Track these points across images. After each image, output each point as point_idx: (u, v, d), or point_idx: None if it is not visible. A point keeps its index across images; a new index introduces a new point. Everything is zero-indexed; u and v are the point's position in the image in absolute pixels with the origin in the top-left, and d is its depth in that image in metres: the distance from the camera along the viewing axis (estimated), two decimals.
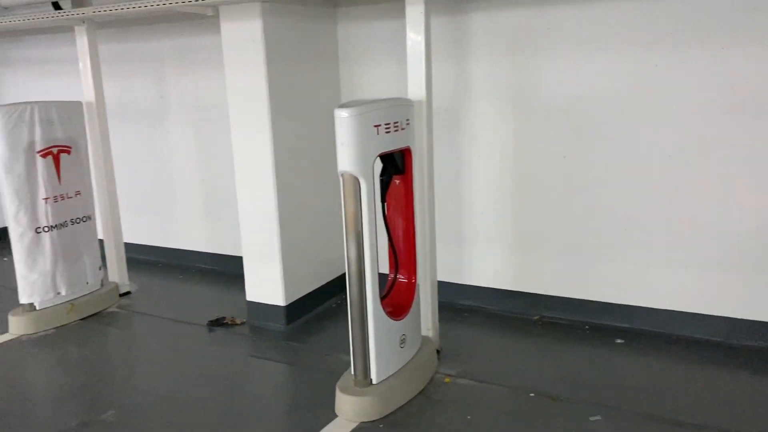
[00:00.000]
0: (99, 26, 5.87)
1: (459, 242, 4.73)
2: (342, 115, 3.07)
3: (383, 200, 3.60)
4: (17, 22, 4.83)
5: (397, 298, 3.67)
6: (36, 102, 4.57)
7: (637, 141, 4.02)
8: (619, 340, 4.12)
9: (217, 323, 4.66)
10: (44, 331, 4.66)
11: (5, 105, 4.41)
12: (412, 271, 3.72)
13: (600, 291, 4.34)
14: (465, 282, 4.78)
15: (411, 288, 3.71)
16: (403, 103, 3.46)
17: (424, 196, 3.78)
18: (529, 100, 4.30)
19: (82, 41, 4.93)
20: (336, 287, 5.02)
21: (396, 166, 3.56)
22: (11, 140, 4.44)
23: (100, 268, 5.14)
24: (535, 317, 4.53)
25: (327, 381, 3.64)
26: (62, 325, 4.75)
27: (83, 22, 4.85)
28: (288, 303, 4.52)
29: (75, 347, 4.40)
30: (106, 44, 5.97)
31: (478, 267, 4.71)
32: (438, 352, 3.96)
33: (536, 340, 4.20)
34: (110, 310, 5.07)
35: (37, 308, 4.70)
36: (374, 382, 3.36)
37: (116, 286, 5.27)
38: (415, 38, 3.62)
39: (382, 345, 3.35)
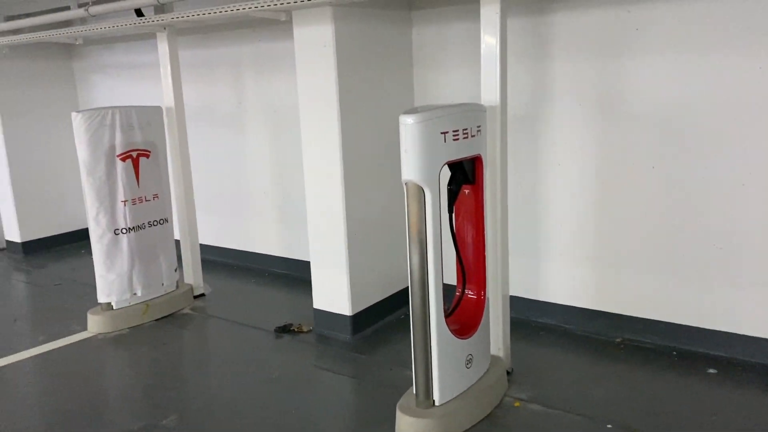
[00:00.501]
0: (181, 33, 6.01)
1: (535, 256, 4.47)
2: (407, 122, 2.92)
3: (451, 211, 3.41)
4: (104, 29, 4.99)
5: (464, 315, 3.48)
6: (117, 107, 4.70)
7: (735, 152, 3.64)
8: (711, 370, 3.74)
9: (284, 330, 4.62)
10: (119, 330, 4.77)
11: (88, 110, 4.55)
12: (481, 286, 3.52)
13: (691, 314, 3.96)
14: (541, 298, 4.51)
15: (480, 304, 3.50)
16: (475, 109, 3.26)
17: (496, 207, 3.57)
18: (614, 106, 3.99)
19: (163, 47, 5.04)
20: (404, 298, 4.87)
21: (465, 176, 3.37)
22: (93, 144, 4.57)
23: (175, 270, 5.23)
24: (617, 340, 4.20)
25: (390, 397, 3.49)
26: (137, 326, 4.85)
27: (164, 28, 4.95)
28: (354, 312, 4.41)
29: (146, 348, 4.47)
30: (189, 50, 6.10)
31: (556, 283, 4.43)
32: (508, 373, 3.73)
33: (617, 366, 3.88)
34: (184, 311, 5.14)
35: (114, 308, 4.82)
36: (437, 403, 3.18)
37: (191, 289, 5.35)
38: (489, 40, 3.42)
39: (445, 364, 3.17)
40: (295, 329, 4.62)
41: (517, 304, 4.52)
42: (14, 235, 7.11)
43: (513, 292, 4.51)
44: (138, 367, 4.21)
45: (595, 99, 4.04)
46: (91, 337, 4.69)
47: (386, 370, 3.97)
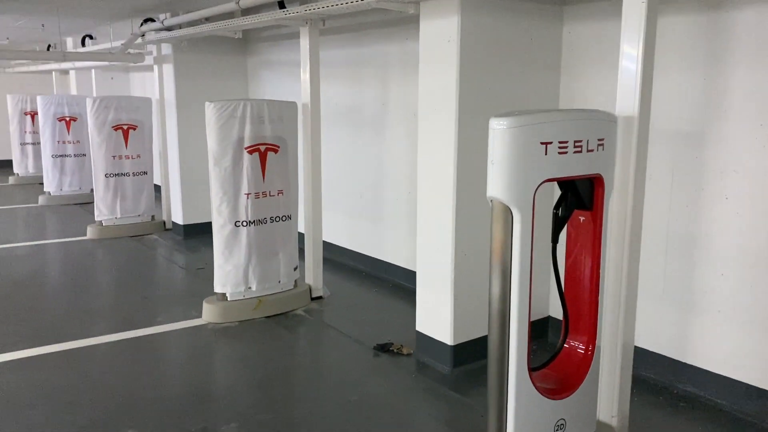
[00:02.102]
0: (334, 31, 5.93)
1: (685, 307, 3.61)
2: (496, 127, 2.40)
3: (555, 240, 2.79)
4: (248, 22, 5.04)
5: (562, 368, 2.84)
6: (249, 99, 4.69)
7: None
8: None
9: (383, 349, 4.26)
10: (229, 322, 4.75)
11: (220, 100, 4.58)
12: (589, 335, 2.84)
13: None
14: (689, 361, 3.63)
15: (586, 359, 2.83)
16: (596, 118, 2.63)
17: (623, 242, 2.87)
18: None
19: (304, 42, 4.95)
20: None
21: (579, 199, 2.74)
22: (222, 134, 4.59)
23: (295, 269, 5.12)
24: None
25: None
26: (247, 320, 4.80)
27: (306, 22, 4.85)
28: (456, 343, 3.91)
29: (246, 346, 4.38)
30: (341, 49, 6.01)
31: (711, 345, 3.53)
32: None
33: None
34: (297, 312, 5.00)
35: (228, 299, 4.82)
36: None
37: (309, 289, 5.21)
38: (630, 35, 2.75)
39: (524, 428, 2.57)
40: (395, 350, 4.23)
41: (655, 363, 3.70)
42: (178, 217, 7.60)
43: (654, 348, 3.70)
44: (230, 364, 4.12)
45: None
46: (202, 326, 4.73)
47: (477, 416, 3.43)
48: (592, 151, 2.59)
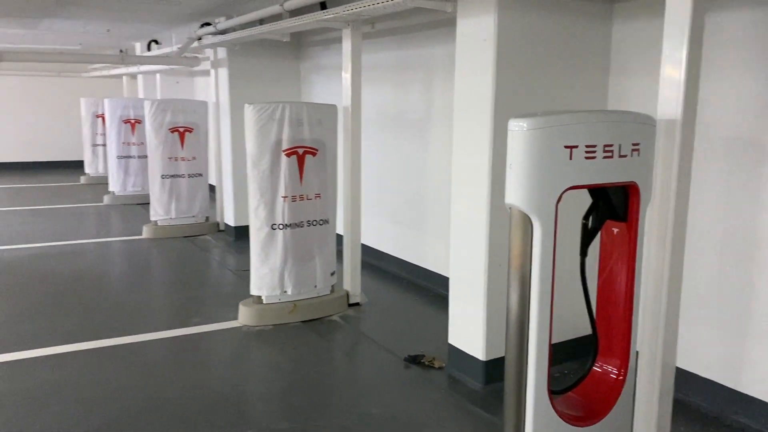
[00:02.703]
0: (380, 34, 5.84)
1: (741, 331, 3.29)
2: (515, 128, 2.23)
3: (584, 253, 2.57)
4: (290, 24, 5.01)
5: (589, 393, 2.62)
6: (288, 102, 4.64)
7: None
8: None
9: (414, 360, 4.10)
10: (264, 325, 4.71)
11: (258, 103, 4.55)
12: (622, 358, 2.61)
13: None
14: (743, 390, 3.30)
15: (617, 383, 2.60)
16: (631, 120, 2.41)
17: (663, 257, 2.63)
18: None
19: (346, 44, 4.88)
20: (560, 354, 3.98)
21: (612, 208, 2.52)
22: (260, 137, 4.57)
23: (332, 274, 5.04)
24: None
25: None
26: (282, 324, 4.74)
27: (347, 24, 4.77)
28: (488, 359, 3.71)
29: (276, 350, 4.32)
30: (389, 51, 5.90)
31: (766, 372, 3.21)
32: None
33: None
34: (333, 318, 4.91)
35: (264, 302, 4.78)
36: None
37: (346, 295, 5.12)
38: (672, 31, 2.52)
39: None
40: (426, 362, 4.07)
41: (707, 391, 3.39)
42: (230, 219, 7.68)
43: (706, 374, 3.40)
44: (257, 370, 4.07)
45: None
46: (236, 328, 4.70)
47: None
48: (625, 156, 2.37)
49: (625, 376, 2.59)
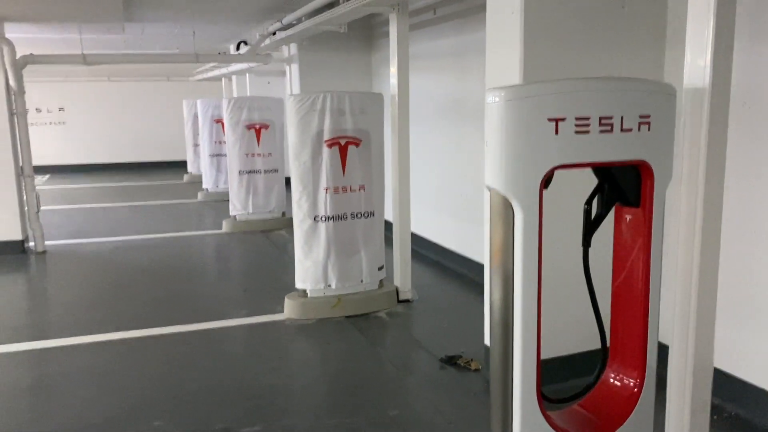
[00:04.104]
0: (444, 20, 5.61)
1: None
2: (491, 100, 1.97)
3: (587, 243, 2.24)
4: (338, 14, 4.91)
5: (597, 406, 2.28)
6: (329, 91, 4.54)
7: None
8: None
9: (450, 361, 3.86)
10: (307, 319, 4.64)
11: (299, 93, 4.49)
12: (637, 366, 2.25)
13: None
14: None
15: (631, 395, 2.25)
16: (637, 89, 2.06)
17: (692, 248, 2.25)
18: None
19: (393, 29, 4.70)
20: (562, 369, 3.56)
21: (619, 191, 2.18)
22: (301, 127, 4.50)
23: (380, 269, 4.88)
24: None
25: None
26: (325, 318, 4.65)
27: (393, 8, 4.59)
28: None
29: (312, 345, 4.24)
30: (449, 38, 5.66)
31: None
32: None
33: None
34: (379, 314, 4.75)
35: (308, 296, 4.71)
36: None
37: (395, 291, 4.94)
38: None
39: None
40: (462, 363, 3.82)
41: (746, 395, 2.91)
42: None
43: (751, 379, 2.91)
44: (283, 363, 3.99)
45: None
46: (280, 321, 4.66)
47: None
48: (629, 130, 2.03)
49: (640, 386, 2.23)
